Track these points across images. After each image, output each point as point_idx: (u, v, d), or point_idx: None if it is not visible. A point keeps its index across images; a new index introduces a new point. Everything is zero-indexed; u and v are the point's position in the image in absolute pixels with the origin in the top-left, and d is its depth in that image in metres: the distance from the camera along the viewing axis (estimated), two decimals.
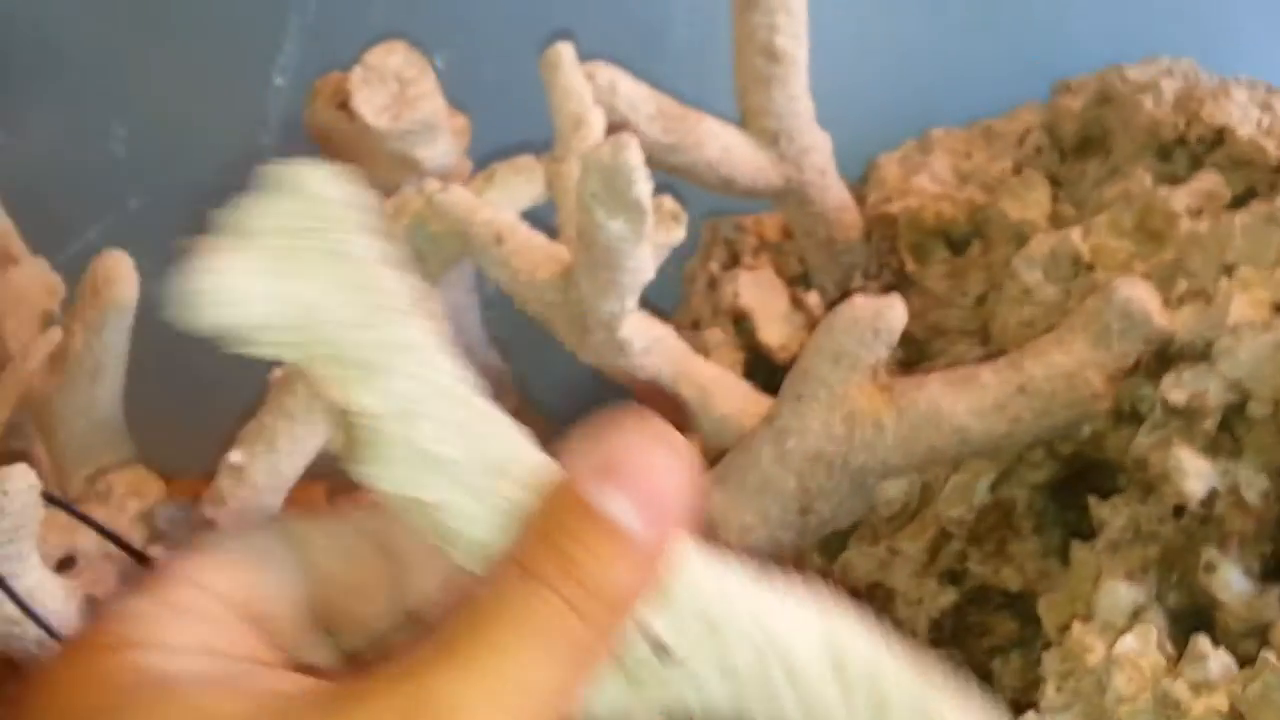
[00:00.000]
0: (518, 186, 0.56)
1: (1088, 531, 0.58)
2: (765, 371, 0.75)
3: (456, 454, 0.25)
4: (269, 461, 0.56)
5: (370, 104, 0.63)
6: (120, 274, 0.72)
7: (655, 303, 0.62)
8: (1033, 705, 0.51)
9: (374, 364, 0.25)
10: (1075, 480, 0.61)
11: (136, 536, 0.71)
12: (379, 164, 0.68)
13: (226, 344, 0.25)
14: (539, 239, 0.55)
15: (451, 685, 0.22)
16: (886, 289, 0.75)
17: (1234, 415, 0.50)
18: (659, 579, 0.24)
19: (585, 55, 0.64)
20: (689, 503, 0.23)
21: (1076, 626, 0.50)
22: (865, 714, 0.24)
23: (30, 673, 0.27)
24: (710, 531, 0.57)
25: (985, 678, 0.65)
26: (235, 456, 0.56)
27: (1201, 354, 0.52)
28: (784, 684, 0.25)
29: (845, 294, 0.77)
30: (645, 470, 0.23)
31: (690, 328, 0.80)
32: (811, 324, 0.75)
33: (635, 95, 0.65)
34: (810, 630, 0.25)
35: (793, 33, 0.71)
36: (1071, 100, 0.77)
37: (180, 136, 0.93)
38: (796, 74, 0.72)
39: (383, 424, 0.24)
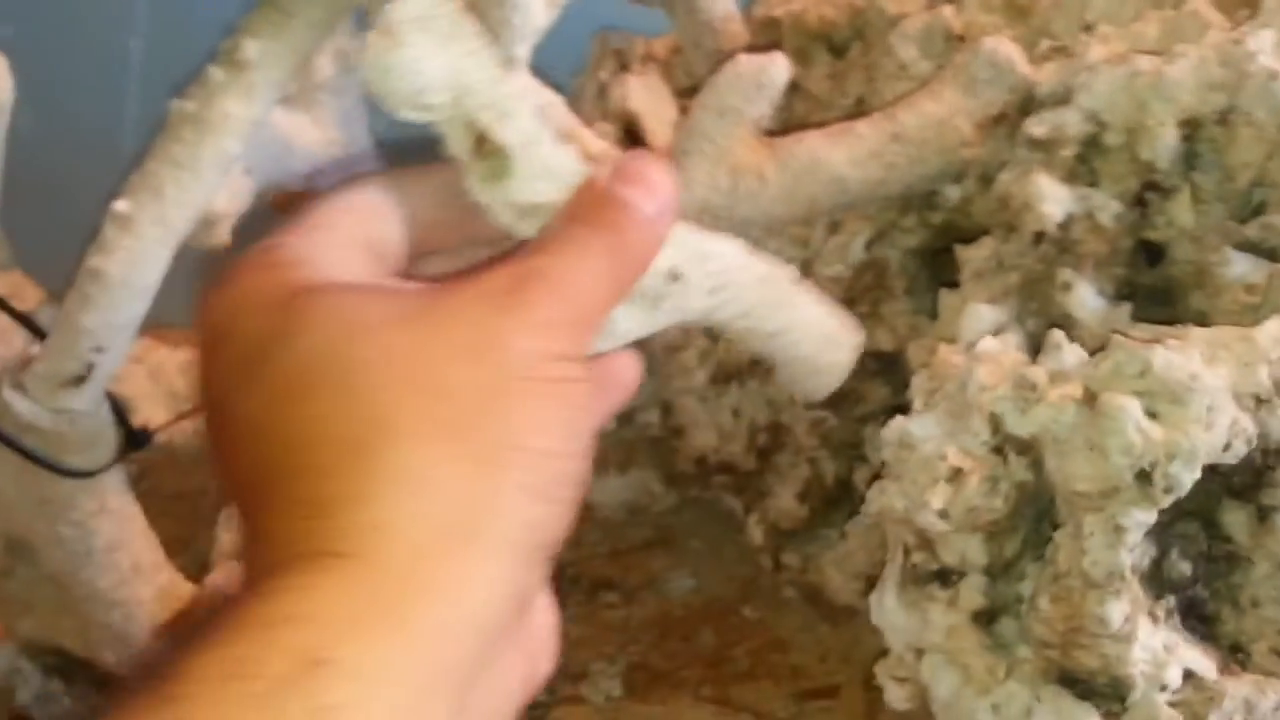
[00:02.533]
0: None
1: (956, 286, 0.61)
2: None
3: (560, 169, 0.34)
4: (156, 210, 0.55)
5: None
6: None
7: None
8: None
9: (508, 109, 0.34)
10: (945, 251, 0.64)
11: (17, 341, 0.70)
12: None
13: (399, 106, 0.32)
14: None
15: (546, 261, 0.31)
16: None
17: (1090, 148, 0.54)
18: (664, 233, 0.33)
19: None
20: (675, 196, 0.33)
21: (941, 348, 0.53)
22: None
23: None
24: None
25: (857, 445, 0.68)
26: (121, 205, 0.55)
27: (1062, 100, 0.56)
28: (746, 288, 0.36)
29: None
30: (654, 177, 0.33)
31: None
32: None
33: None
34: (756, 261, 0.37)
35: None
36: None
37: None
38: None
39: (514, 153, 0.34)
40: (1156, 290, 0.54)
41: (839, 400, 0.66)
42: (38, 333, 0.63)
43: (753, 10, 0.81)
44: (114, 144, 0.96)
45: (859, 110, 0.75)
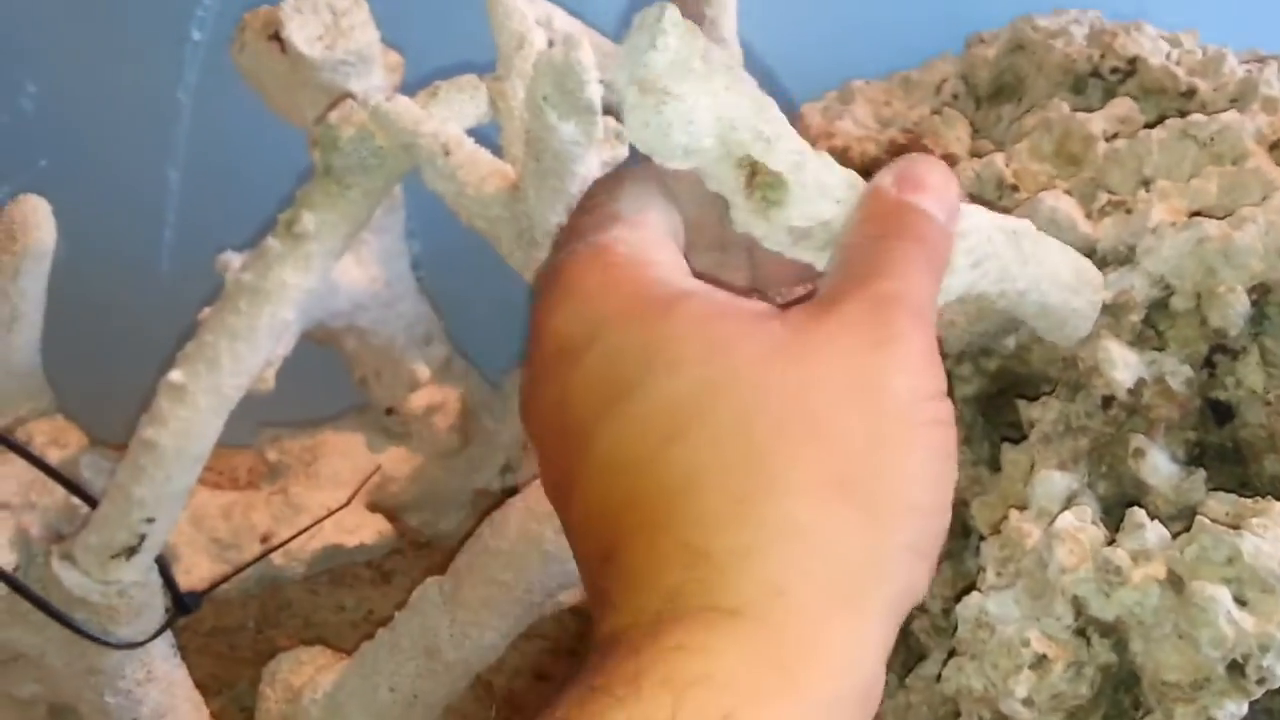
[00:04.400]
0: (461, 104, 0.56)
1: (1017, 439, 0.60)
2: None
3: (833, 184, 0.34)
4: (211, 380, 0.55)
5: (303, 33, 0.63)
6: (38, 220, 0.71)
7: None
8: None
9: (773, 135, 0.32)
10: (1001, 396, 0.63)
11: (59, 491, 0.69)
12: (312, 100, 0.68)
13: (671, 158, 0.31)
14: (485, 154, 0.55)
15: (895, 286, 0.31)
16: None
17: (1157, 310, 0.53)
18: (954, 233, 0.34)
19: None
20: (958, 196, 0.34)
21: (1013, 514, 0.52)
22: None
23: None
24: None
25: None
26: (176, 375, 0.55)
27: (1124, 259, 0.55)
28: (1001, 253, 0.37)
29: None
30: (938, 181, 0.34)
31: None
32: None
33: (570, 30, 0.66)
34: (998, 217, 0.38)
35: None
36: (985, 50, 0.80)
37: (93, 94, 0.91)
38: (726, 15, 0.73)
39: (788, 178, 0.33)
40: (1226, 451, 0.53)
41: None
42: (78, 492, 0.63)
43: None
44: (152, 276, 0.97)
45: None
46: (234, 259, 0.63)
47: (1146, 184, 0.58)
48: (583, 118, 0.49)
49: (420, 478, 0.83)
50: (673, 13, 0.31)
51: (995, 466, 0.61)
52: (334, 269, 0.72)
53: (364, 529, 0.80)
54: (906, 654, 0.67)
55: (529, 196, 0.54)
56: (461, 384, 0.83)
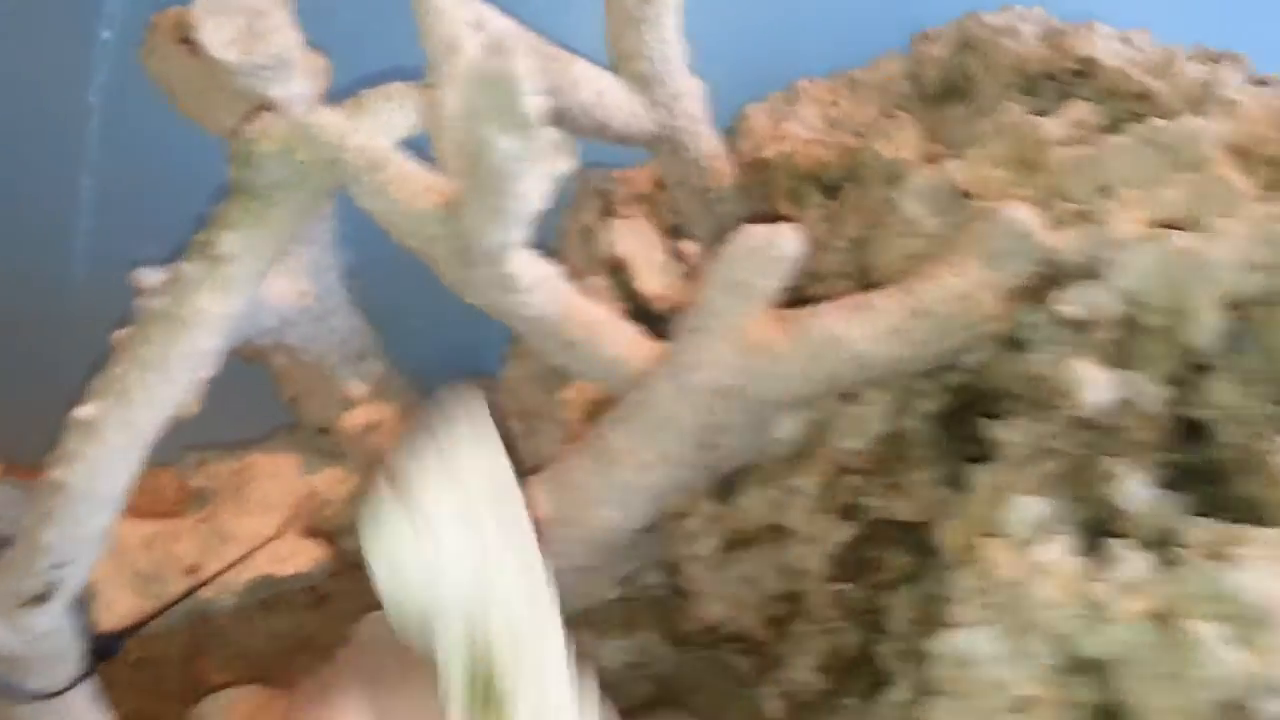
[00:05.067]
0: (390, 114, 0.52)
1: (980, 458, 0.58)
2: (644, 321, 0.73)
3: None
4: (123, 415, 0.51)
5: (216, 36, 0.58)
6: None
7: None
8: (932, 629, 0.50)
9: (527, 663, 0.30)
10: (964, 410, 0.61)
11: None
12: (228, 107, 0.63)
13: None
14: (418, 168, 0.51)
15: None
16: None
17: (1126, 328, 0.51)
18: None
19: None
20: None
21: (985, 543, 0.49)
22: None
23: None
24: (606, 471, 0.54)
25: (876, 612, 0.65)
26: (84, 411, 0.50)
27: (1087, 272, 0.53)
28: None
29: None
30: None
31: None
32: (690, 273, 0.73)
33: (505, 32, 0.62)
34: None
35: None
36: (932, 48, 0.78)
37: None
38: (668, 15, 0.70)
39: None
40: (1198, 470, 0.51)
41: (859, 569, 0.63)
42: None
43: (738, 147, 0.79)
44: (64, 288, 0.91)
45: (856, 253, 0.72)
46: (149, 275, 0.59)
47: (1107, 191, 0.56)
48: (520, 130, 0.45)
49: (357, 499, 0.79)
50: None
51: (958, 485, 0.59)
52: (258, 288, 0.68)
53: (299, 556, 0.76)
54: (872, 677, 0.64)
55: (466, 213, 0.50)
56: (399, 400, 0.79)
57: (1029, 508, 0.49)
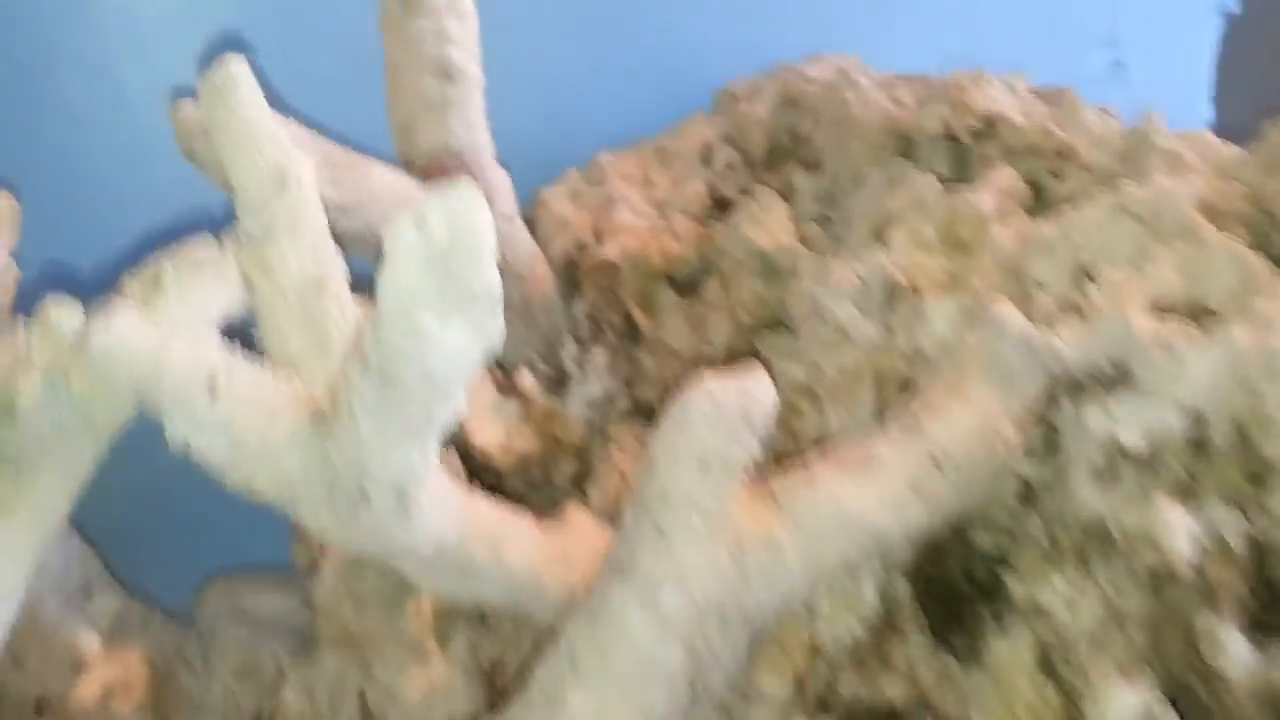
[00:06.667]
0: (204, 293, 0.34)
1: (983, 614, 0.47)
2: (486, 481, 0.57)
3: None
4: None
5: None
6: None
7: None
8: None
9: None
10: (931, 553, 0.50)
11: None
12: None
13: None
14: (265, 377, 0.34)
15: None
16: (616, 352, 0.60)
17: (1191, 450, 0.42)
18: None
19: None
20: None
21: None
22: None
23: None
24: None
25: None
26: None
27: (1113, 380, 0.44)
28: None
29: (558, 369, 0.62)
30: None
31: None
32: (530, 412, 0.58)
33: (298, 140, 0.44)
34: None
35: (466, 43, 0.53)
36: (751, 108, 0.67)
37: None
38: (475, 96, 0.55)
39: None
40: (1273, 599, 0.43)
41: None
42: None
43: (545, 244, 0.64)
44: None
45: (732, 362, 0.60)
46: None
47: (1087, 273, 0.47)
48: (476, 313, 0.30)
49: None
50: None
51: (951, 646, 0.48)
52: None
53: None
54: None
55: (354, 430, 0.33)
56: (143, 639, 0.58)
57: (1128, 702, 0.39)
